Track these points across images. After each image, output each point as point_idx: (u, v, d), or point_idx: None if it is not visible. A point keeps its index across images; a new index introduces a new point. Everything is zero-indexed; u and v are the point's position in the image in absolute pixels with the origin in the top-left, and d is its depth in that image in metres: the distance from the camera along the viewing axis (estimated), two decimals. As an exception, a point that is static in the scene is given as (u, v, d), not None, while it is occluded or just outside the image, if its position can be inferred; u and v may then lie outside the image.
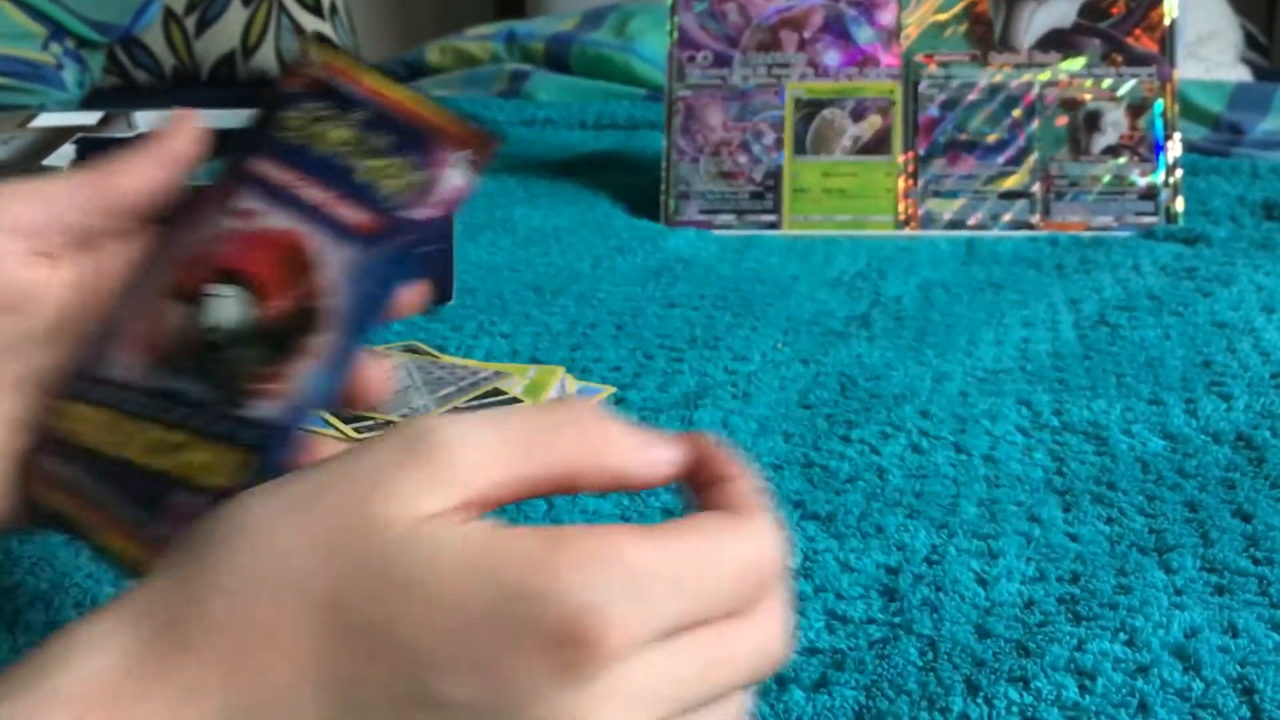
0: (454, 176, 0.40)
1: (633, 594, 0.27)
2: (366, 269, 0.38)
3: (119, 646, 0.28)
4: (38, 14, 1.96)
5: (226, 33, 2.22)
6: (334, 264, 0.38)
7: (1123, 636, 0.45)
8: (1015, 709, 0.41)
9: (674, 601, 0.28)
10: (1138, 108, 1.09)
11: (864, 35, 1.12)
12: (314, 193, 0.39)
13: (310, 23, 2.25)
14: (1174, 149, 1.09)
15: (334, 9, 2.30)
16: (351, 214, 0.39)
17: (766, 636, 0.30)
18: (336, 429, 0.63)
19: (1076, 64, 1.10)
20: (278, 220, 0.39)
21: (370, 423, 0.64)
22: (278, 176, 0.39)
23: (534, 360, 0.75)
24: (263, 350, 0.38)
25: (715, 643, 0.29)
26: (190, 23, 2.22)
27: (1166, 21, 1.11)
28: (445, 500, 0.29)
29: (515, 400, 0.68)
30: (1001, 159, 1.09)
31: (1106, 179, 1.09)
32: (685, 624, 0.29)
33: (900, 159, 1.10)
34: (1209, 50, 1.90)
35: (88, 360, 0.39)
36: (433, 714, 0.27)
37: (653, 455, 0.32)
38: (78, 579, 0.50)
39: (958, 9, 1.12)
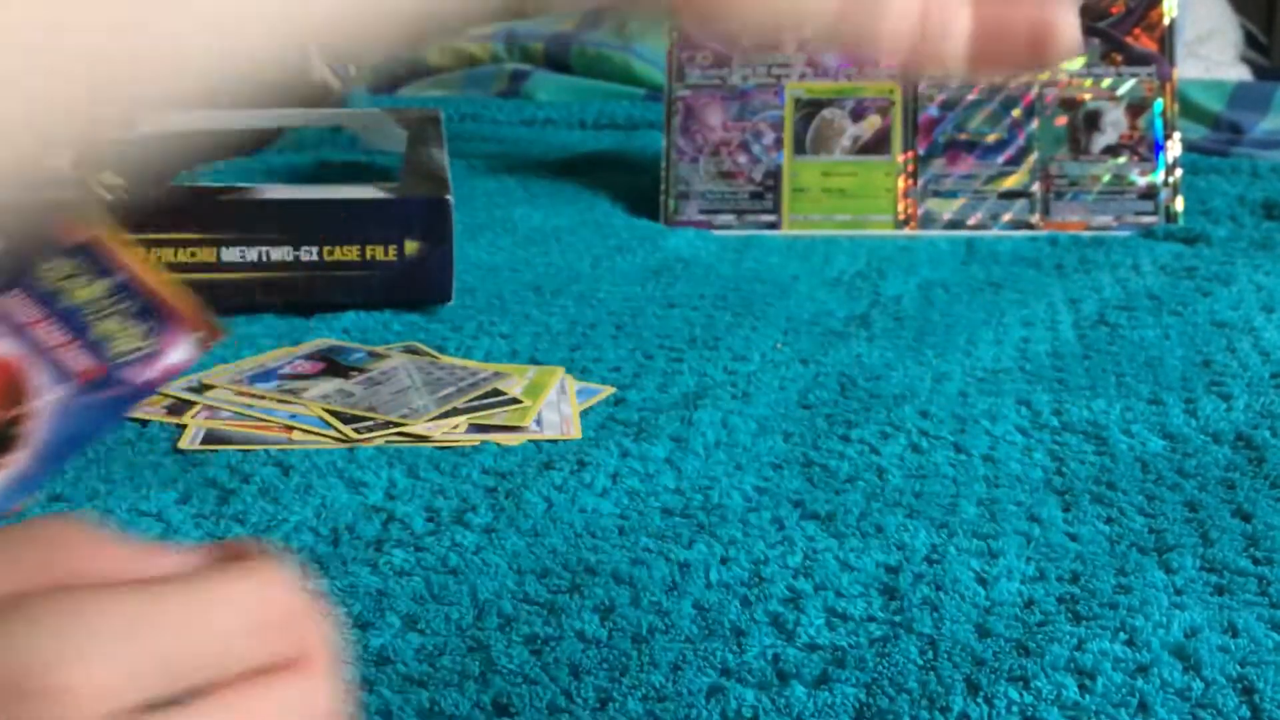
0: (180, 352, 0.47)
1: (104, 647, 0.24)
2: (75, 409, 0.43)
3: None
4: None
5: (226, 34, 2.21)
6: (47, 398, 0.43)
7: (1123, 636, 0.45)
8: (1015, 708, 0.41)
9: (161, 658, 0.24)
10: (1137, 107, 1.09)
11: (863, 35, 1.12)
12: (50, 335, 0.45)
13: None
14: (1174, 148, 1.09)
15: (333, 10, 2.30)
16: (78, 361, 0.45)
17: (302, 693, 0.26)
18: (336, 429, 0.63)
19: (1076, 63, 1.10)
20: (8, 348, 0.44)
21: (370, 423, 0.64)
22: (22, 312, 0.45)
23: (533, 360, 0.75)
24: None
25: (232, 707, 0.25)
26: (190, 24, 2.22)
27: (1166, 21, 1.11)
28: None
29: (515, 401, 0.68)
30: (1001, 159, 1.09)
31: (1106, 178, 1.09)
32: (187, 684, 0.25)
33: (900, 159, 1.10)
34: (1209, 49, 1.90)
35: None
36: None
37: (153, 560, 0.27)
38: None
39: (957, 9, 1.12)
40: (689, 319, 0.84)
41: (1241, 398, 0.69)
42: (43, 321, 0.47)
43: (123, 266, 0.49)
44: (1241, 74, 1.84)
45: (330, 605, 0.47)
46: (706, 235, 1.07)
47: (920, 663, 0.44)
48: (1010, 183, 1.09)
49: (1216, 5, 2.02)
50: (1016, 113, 1.10)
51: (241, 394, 0.68)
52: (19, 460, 0.44)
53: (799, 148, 1.10)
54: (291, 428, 0.64)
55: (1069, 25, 0.30)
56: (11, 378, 0.46)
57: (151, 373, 0.48)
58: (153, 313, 0.48)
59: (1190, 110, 1.40)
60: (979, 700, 0.41)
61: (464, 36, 1.91)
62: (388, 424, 0.64)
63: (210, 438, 0.63)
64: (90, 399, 0.46)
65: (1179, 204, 1.08)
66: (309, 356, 0.74)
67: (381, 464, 0.60)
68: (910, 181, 1.09)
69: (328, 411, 0.66)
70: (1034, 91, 1.10)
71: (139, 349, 0.47)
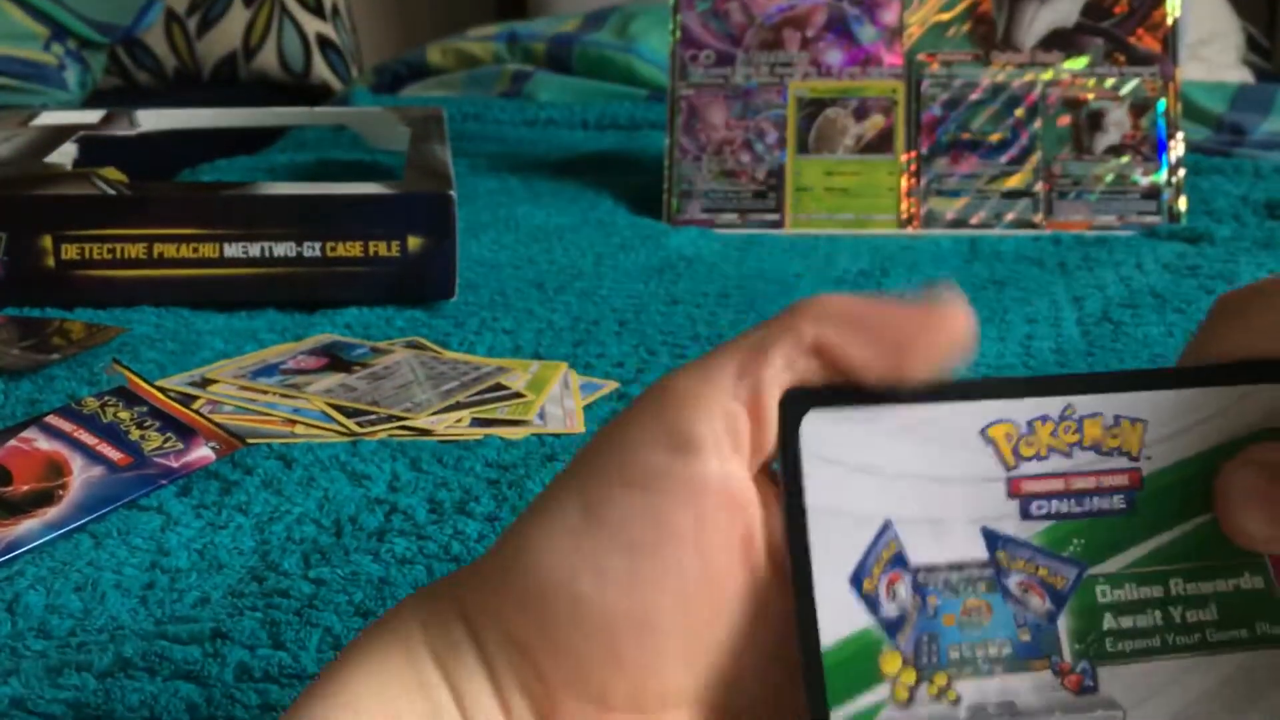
0: (201, 452, 0.57)
1: None
2: (109, 481, 0.55)
3: None
4: (40, 15, 1.96)
5: (228, 33, 2.22)
6: (81, 473, 0.55)
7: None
8: None
9: None
10: (1140, 107, 1.09)
11: (866, 34, 1.12)
12: (88, 438, 0.57)
13: (312, 24, 2.25)
14: (1177, 148, 1.09)
15: (335, 10, 2.30)
16: (111, 452, 0.57)
17: None
18: (339, 422, 0.63)
19: (1079, 63, 1.10)
20: (51, 445, 0.57)
21: (373, 416, 0.64)
22: (63, 427, 0.58)
23: (537, 356, 0.75)
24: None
25: None
26: (192, 23, 2.22)
27: (1169, 21, 1.11)
28: None
29: (518, 395, 0.68)
30: (1004, 158, 1.09)
31: (1109, 178, 1.08)
32: None
33: (903, 158, 1.10)
34: (1211, 52, 1.90)
35: None
36: None
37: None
38: (78, 565, 0.50)
39: (960, 8, 1.12)
40: (692, 316, 0.84)
41: (1246, 395, 0.68)
42: (82, 430, 0.58)
43: (149, 398, 0.61)
44: (1243, 76, 1.84)
45: (333, 594, 0.47)
46: (709, 234, 1.07)
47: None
48: (1013, 182, 1.09)
49: (1218, 8, 2.02)
50: (1019, 112, 1.10)
51: (245, 389, 0.68)
52: (54, 511, 0.53)
53: (802, 147, 1.10)
54: (294, 422, 0.64)
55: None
56: (53, 461, 0.56)
57: (178, 462, 0.57)
58: (176, 427, 0.59)
59: (1192, 112, 1.40)
60: None
61: (465, 37, 1.91)
62: (390, 418, 0.64)
63: (212, 431, 0.63)
64: (123, 476, 0.55)
65: (1182, 204, 1.08)
66: (312, 352, 0.74)
67: (384, 457, 0.59)
68: (913, 181, 1.09)
69: (331, 406, 0.65)
70: (1037, 91, 1.10)
71: (162, 447, 0.57)
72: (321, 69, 2.26)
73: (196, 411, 0.61)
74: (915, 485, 0.27)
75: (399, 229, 0.84)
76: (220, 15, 2.22)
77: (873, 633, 0.26)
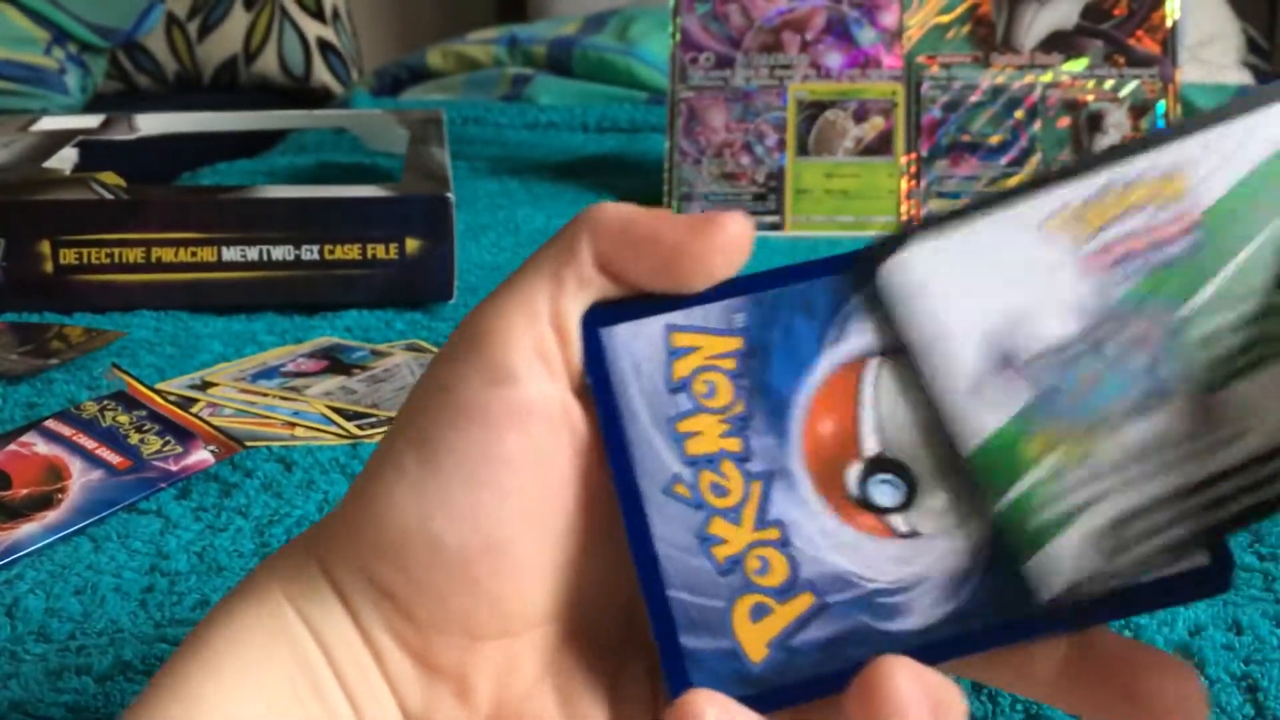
0: (200, 455, 0.58)
1: None
2: (109, 485, 0.55)
3: None
4: (40, 19, 1.96)
5: (229, 37, 2.22)
6: (80, 477, 0.55)
7: (1127, 634, 0.44)
8: (1020, 707, 0.41)
9: None
10: (1140, 108, 1.09)
11: (866, 37, 1.12)
12: (87, 442, 0.57)
13: (312, 27, 2.25)
14: (1176, 150, 1.09)
15: (335, 13, 2.31)
16: (111, 456, 0.57)
17: None
18: (339, 425, 0.63)
19: (1079, 65, 1.10)
20: (50, 449, 0.57)
21: (374, 419, 0.64)
22: (62, 431, 0.58)
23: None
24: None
25: None
26: (192, 27, 2.22)
27: (1168, 22, 1.11)
28: None
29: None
30: (1004, 160, 1.09)
31: (1109, 180, 1.08)
32: None
33: (903, 160, 1.10)
34: (1210, 54, 1.90)
35: None
36: None
37: None
38: (78, 569, 0.50)
39: (960, 10, 1.12)
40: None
41: (1245, 397, 0.68)
42: (81, 434, 0.58)
43: (147, 402, 0.61)
44: (1243, 78, 1.84)
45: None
46: (709, 236, 1.07)
47: (924, 658, 0.44)
48: (1013, 184, 1.09)
49: (1218, 10, 2.02)
50: (1019, 114, 1.10)
51: (244, 391, 0.68)
52: (54, 515, 0.53)
53: (802, 149, 1.10)
54: (294, 424, 0.64)
55: None
56: (53, 465, 0.56)
57: (177, 466, 0.57)
58: (175, 431, 0.59)
59: (1192, 113, 1.39)
60: (984, 698, 0.41)
61: (466, 40, 1.91)
62: (391, 421, 0.64)
63: (212, 435, 0.63)
64: (122, 480, 0.55)
65: (1182, 206, 1.08)
66: (311, 354, 0.74)
67: (383, 461, 0.59)
68: (913, 183, 1.09)
69: (330, 408, 0.65)
70: (1037, 93, 1.10)
71: (160, 450, 0.57)
72: (322, 72, 2.26)
73: (195, 415, 0.61)
74: (996, 300, 0.28)
75: (397, 231, 0.84)
76: (221, 19, 2.22)
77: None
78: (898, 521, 0.28)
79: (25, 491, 0.54)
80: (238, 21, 2.22)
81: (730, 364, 0.28)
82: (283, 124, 1.42)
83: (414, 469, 0.27)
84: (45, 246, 0.82)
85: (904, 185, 1.09)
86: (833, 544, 0.28)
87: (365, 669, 0.28)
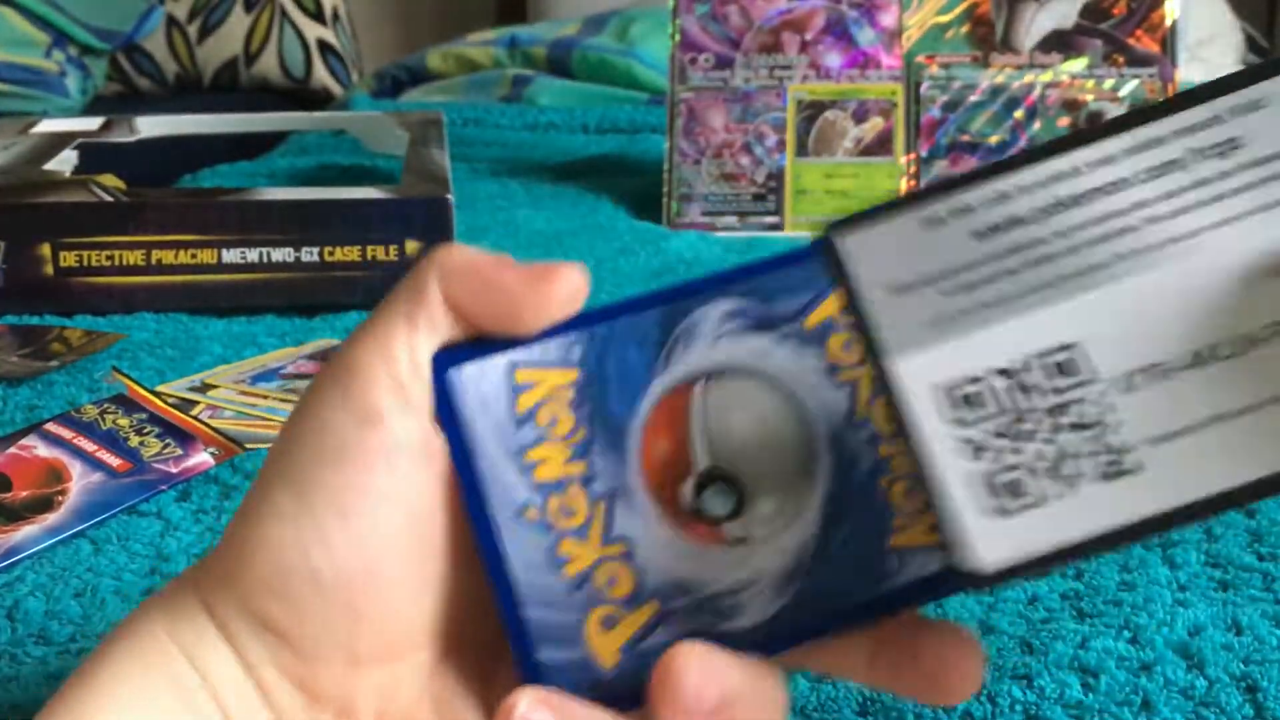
0: (201, 457, 0.58)
1: None
2: (107, 487, 0.55)
3: None
4: (41, 21, 1.96)
5: (229, 39, 2.22)
6: (80, 480, 0.55)
7: (1126, 634, 0.44)
8: (1019, 707, 0.41)
9: None
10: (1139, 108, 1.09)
11: (865, 37, 1.12)
12: (88, 445, 0.57)
13: (312, 29, 2.26)
14: (1176, 150, 1.09)
15: (335, 15, 2.31)
16: (111, 458, 0.57)
17: None
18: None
19: (1078, 65, 1.10)
20: (50, 452, 0.57)
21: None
22: (62, 434, 0.58)
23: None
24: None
25: None
26: (192, 30, 2.22)
27: (1168, 22, 1.11)
28: None
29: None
30: (1003, 160, 1.09)
31: (1109, 180, 1.08)
32: None
33: (902, 160, 1.10)
34: (1210, 53, 1.90)
35: None
36: None
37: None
38: (78, 571, 0.50)
39: (959, 10, 1.12)
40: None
41: (1245, 397, 0.68)
42: (81, 436, 0.58)
43: (148, 404, 0.61)
44: (1244, 77, 1.84)
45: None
46: (709, 237, 1.07)
47: (923, 659, 0.44)
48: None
49: (1217, 9, 2.02)
50: (1019, 114, 1.10)
51: (244, 394, 0.68)
52: (54, 517, 0.53)
53: (801, 149, 1.10)
54: (293, 427, 0.64)
55: None
56: (53, 467, 0.56)
57: (177, 468, 0.56)
58: (175, 433, 0.59)
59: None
60: (982, 699, 0.41)
61: (465, 42, 1.91)
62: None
63: (211, 437, 0.63)
64: (122, 482, 0.55)
65: (1182, 205, 1.08)
66: (311, 357, 0.74)
67: (383, 463, 0.59)
68: (913, 183, 1.09)
69: (329, 411, 0.66)
70: (1036, 93, 1.10)
71: (160, 453, 0.57)
72: (322, 74, 2.26)
73: (195, 417, 0.61)
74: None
75: (397, 233, 0.84)
76: (221, 21, 2.22)
77: None
78: (731, 529, 0.30)
79: (25, 494, 0.54)
80: (238, 23, 2.22)
81: (570, 395, 0.30)
82: (283, 126, 1.42)
83: (289, 507, 0.29)
84: (45, 249, 0.82)
85: (904, 185, 1.09)
86: (673, 554, 0.30)
87: (249, 701, 0.29)
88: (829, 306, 0.31)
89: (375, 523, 0.28)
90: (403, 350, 0.29)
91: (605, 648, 0.29)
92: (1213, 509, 0.26)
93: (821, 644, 0.30)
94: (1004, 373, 0.27)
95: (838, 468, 0.30)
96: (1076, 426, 0.26)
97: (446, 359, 0.30)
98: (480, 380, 0.30)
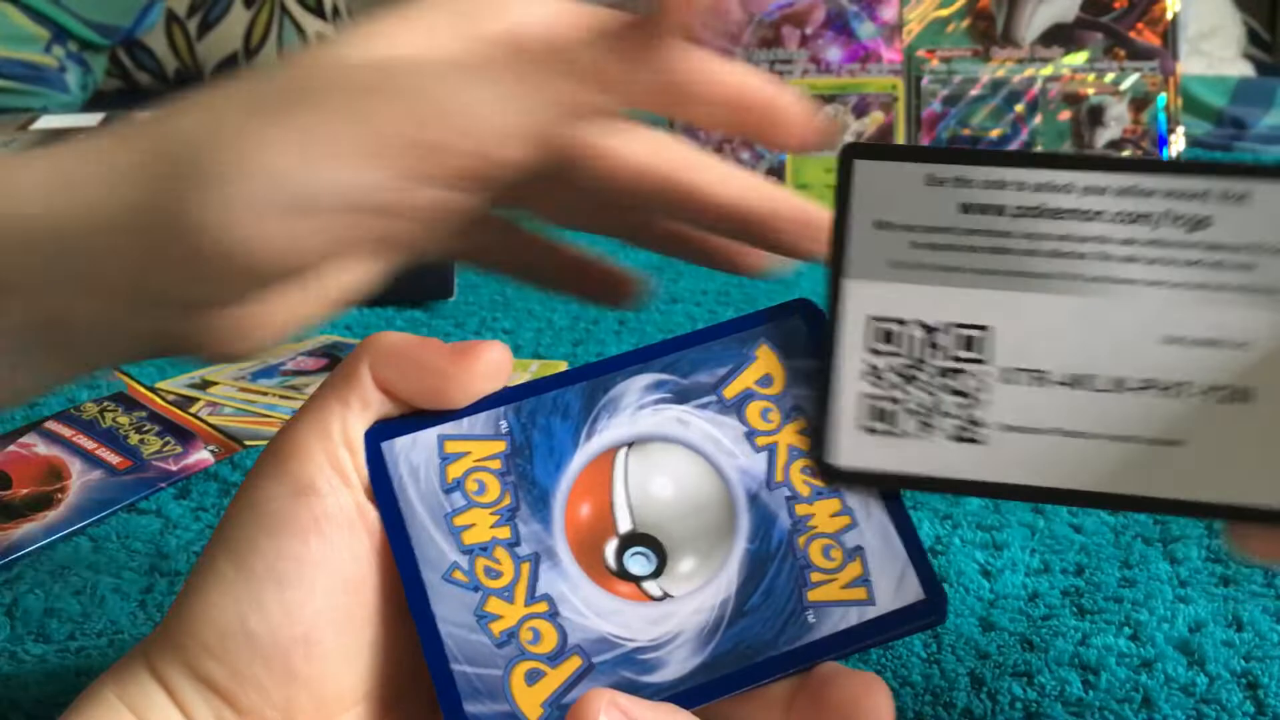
0: (200, 455, 0.58)
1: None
2: (107, 485, 0.55)
3: None
4: (40, 16, 1.96)
5: (229, 35, 2.22)
6: (80, 477, 0.55)
7: (1127, 631, 0.44)
8: (1019, 704, 0.41)
9: None
10: (1141, 101, 1.09)
11: (866, 31, 1.12)
12: (87, 443, 0.58)
13: (312, 24, 2.25)
14: (1178, 142, 1.08)
15: (336, 11, 2.30)
16: (110, 456, 0.57)
17: None
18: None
19: (1079, 58, 1.10)
20: (50, 450, 0.57)
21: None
22: (62, 431, 0.59)
23: (536, 356, 0.75)
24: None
25: None
26: (192, 25, 2.22)
27: (1169, 15, 1.10)
28: None
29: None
30: (1004, 154, 1.09)
31: (1110, 174, 1.08)
32: None
33: (903, 155, 1.09)
34: (1211, 46, 1.89)
35: None
36: None
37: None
38: (77, 569, 0.50)
39: (960, 4, 1.12)
40: (692, 315, 0.83)
41: (1246, 392, 0.68)
42: (81, 434, 0.59)
43: (148, 403, 0.62)
44: (1244, 70, 1.84)
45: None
46: (709, 232, 1.07)
47: (924, 656, 0.43)
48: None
49: (1219, 2, 2.02)
50: (1019, 108, 1.09)
51: (244, 390, 0.68)
52: (53, 515, 0.53)
53: (801, 144, 1.10)
54: (293, 424, 0.64)
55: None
56: (52, 465, 0.56)
57: (176, 466, 0.57)
58: (175, 431, 0.60)
59: (1193, 106, 1.39)
60: (983, 696, 0.41)
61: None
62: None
63: (211, 434, 0.63)
64: (122, 480, 0.56)
65: (1183, 199, 1.08)
66: (311, 353, 0.74)
67: (383, 460, 0.59)
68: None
69: (329, 408, 0.65)
70: (1037, 87, 1.10)
71: (160, 451, 0.58)
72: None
73: (195, 414, 0.61)
74: None
75: (398, 230, 0.83)
76: (221, 16, 2.22)
77: None
78: (652, 587, 0.32)
79: (25, 491, 0.54)
80: (238, 18, 2.22)
81: (497, 464, 0.32)
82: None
83: (230, 574, 0.31)
84: (45, 246, 0.82)
85: (904, 180, 1.09)
86: (596, 611, 0.31)
87: None
88: (747, 378, 0.34)
89: (311, 590, 0.30)
90: (337, 428, 0.32)
91: (529, 702, 0.31)
92: (1024, 497, 0.31)
93: (741, 695, 0.31)
94: (925, 326, 0.32)
95: (756, 527, 0.32)
96: (955, 392, 0.32)
97: (380, 432, 0.32)
98: (411, 451, 0.32)
